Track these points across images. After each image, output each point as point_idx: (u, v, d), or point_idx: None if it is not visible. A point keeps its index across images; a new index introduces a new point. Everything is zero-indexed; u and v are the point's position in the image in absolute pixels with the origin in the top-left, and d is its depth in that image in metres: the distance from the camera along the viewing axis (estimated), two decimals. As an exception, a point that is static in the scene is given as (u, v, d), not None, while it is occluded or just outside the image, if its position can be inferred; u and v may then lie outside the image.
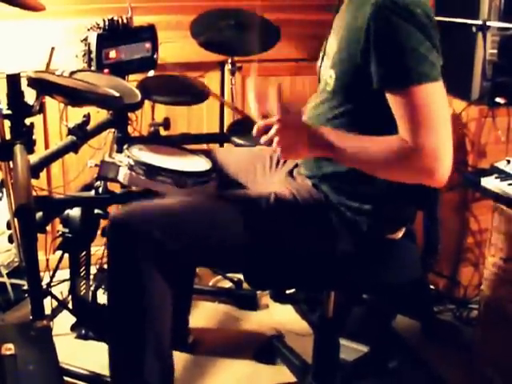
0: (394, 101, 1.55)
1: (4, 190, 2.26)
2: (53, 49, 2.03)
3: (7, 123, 1.95)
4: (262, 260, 1.74)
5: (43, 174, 2.16)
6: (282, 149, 1.58)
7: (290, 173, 1.89)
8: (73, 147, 2.07)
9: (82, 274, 2.25)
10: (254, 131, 1.61)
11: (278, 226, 1.72)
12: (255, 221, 1.72)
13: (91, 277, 2.30)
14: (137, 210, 1.73)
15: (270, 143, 1.59)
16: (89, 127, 2.13)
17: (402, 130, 1.54)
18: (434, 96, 1.52)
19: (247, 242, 1.71)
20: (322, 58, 1.80)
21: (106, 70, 2.35)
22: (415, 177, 1.57)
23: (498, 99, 2.55)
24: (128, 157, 1.92)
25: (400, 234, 1.79)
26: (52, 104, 2.52)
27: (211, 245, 1.72)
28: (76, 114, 2.14)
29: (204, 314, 2.70)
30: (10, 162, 1.96)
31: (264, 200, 1.73)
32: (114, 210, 1.99)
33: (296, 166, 1.89)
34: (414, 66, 1.50)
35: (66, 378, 2.13)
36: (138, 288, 1.68)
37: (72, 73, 2.09)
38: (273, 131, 1.57)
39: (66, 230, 2.11)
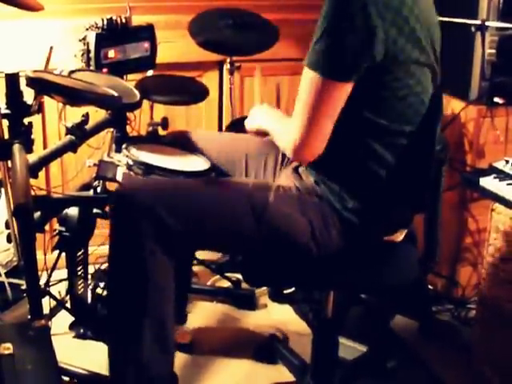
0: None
1: (2, 189, 2.27)
2: (51, 48, 2.03)
3: (6, 123, 1.95)
4: (261, 254, 1.74)
5: (42, 174, 2.16)
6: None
7: (296, 169, 1.89)
8: (71, 147, 2.07)
9: (79, 274, 2.24)
10: None
11: (278, 218, 1.72)
12: (259, 210, 1.71)
13: (89, 276, 2.30)
14: (143, 185, 1.73)
15: None
16: (87, 127, 2.13)
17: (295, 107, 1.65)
18: (312, 85, 1.58)
19: (249, 231, 1.71)
20: None
21: (104, 70, 2.36)
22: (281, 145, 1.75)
23: (496, 99, 2.55)
24: (126, 156, 1.92)
25: (400, 237, 1.79)
26: (50, 103, 2.52)
27: (213, 229, 1.72)
28: (74, 114, 2.13)
29: (202, 314, 2.70)
30: (9, 162, 1.96)
31: (270, 191, 1.74)
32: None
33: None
34: (317, 51, 1.55)
35: (64, 378, 2.13)
36: (139, 262, 1.66)
37: (71, 72, 2.08)
38: None
39: (63, 229, 2.11)
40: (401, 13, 1.55)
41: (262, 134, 1.88)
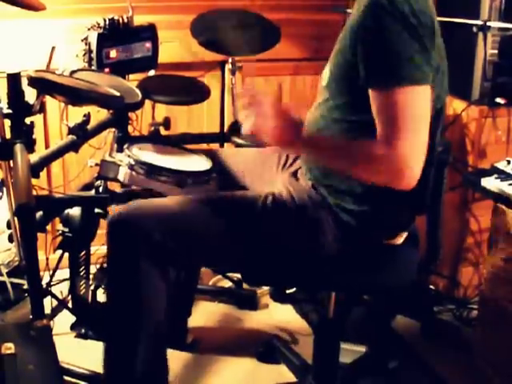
0: (374, 100, 1.53)
1: (4, 189, 2.27)
2: (53, 48, 2.03)
3: (7, 122, 1.95)
4: (259, 260, 1.74)
5: (43, 174, 2.16)
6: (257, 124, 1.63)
7: (294, 174, 1.89)
8: (73, 146, 2.07)
9: (81, 274, 2.24)
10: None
11: (273, 226, 1.72)
12: (252, 221, 1.72)
13: (91, 276, 2.30)
14: (137, 209, 1.73)
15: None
16: (89, 126, 2.13)
17: (378, 130, 1.53)
18: (415, 100, 1.50)
19: (244, 242, 1.72)
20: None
21: (106, 70, 2.36)
22: (383, 179, 1.55)
23: (498, 99, 2.55)
24: (128, 156, 1.93)
25: (400, 240, 1.78)
26: (52, 103, 2.52)
27: (209, 245, 1.73)
28: (76, 114, 2.14)
29: (204, 314, 2.69)
30: (11, 162, 1.96)
31: (261, 200, 1.74)
32: (112, 208, 1.98)
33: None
34: (396, 68, 1.48)
35: (65, 378, 2.13)
36: (136, 285, 1.69)
37: (72, 72, 2.09)
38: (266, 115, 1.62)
39: (66, 230, 2.11)
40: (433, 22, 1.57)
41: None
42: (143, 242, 1.66)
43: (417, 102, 1.50)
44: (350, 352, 2.35)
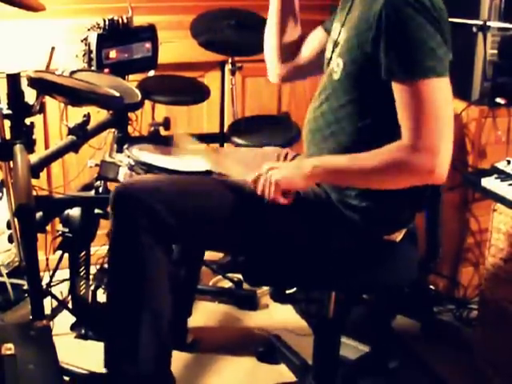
0: (398, 92, 1.54)
1: (4, 189, 2.27)
2: (53, 48, 2.03)
3: (7, 123, 1.95)
4: (259, 251, 1.74)
5: (43, 174, 2.16)
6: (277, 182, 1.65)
7: None
8: (73, 147, 2.07)
9: (81, 274, 2.24)
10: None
11: (277, 216, 1.72)
12: (256, 210, 1.72)
13: (91, 276, 2.30)
14: (139, 182, 1.73)
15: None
16: (89, 127, 2.13)
17: (403, 123, 1.53)
18: (439, 92, 1.52)
19: (246, 229, 1.71)
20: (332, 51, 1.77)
21: (106, 70, 2.35)
22: (415, 175, 1.55)
23: (498, 99, 2.55)
24: (128, 157, 1.93)
25: (399, 237, 1.78)
26: (52, 104, 2.52)
27: (210, 226, 1.72)
28: (76, 114, 2.14)
29: (204, 314, 2.70)
30: (11, 162, 1.96)
31: None
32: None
33: None
34: (421, 59, 1.50)
35: (65, 378, 2.13)
36: (137, 257, 1.68)
37: (72, 72, 2.09)
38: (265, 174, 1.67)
39: (66, 230, 2.11)
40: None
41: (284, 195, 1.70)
42: (145, 215, 1.65)
43: (442, 94, 1.52)
44: (353, 348, 2.35)
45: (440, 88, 1.52)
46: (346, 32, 1.68)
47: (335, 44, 1.73)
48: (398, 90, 1.54)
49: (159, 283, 1.72)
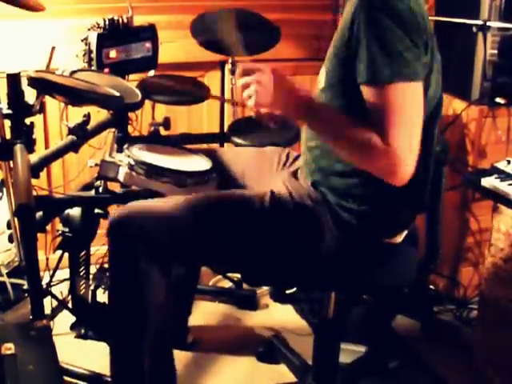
0: (366, 96, 1.53)
1: (4, 189, 2.27)
2: (53, 48, 2.03)
3: (7, 123, 1.95)
4: (259, 259, 1.74)
5: (43, 174, 2.16)
6: (258, 93, 1.62)
7: (294, 173, 1.89)
8: (73, 147, 2.07)
9: (81, 274, 2.24)
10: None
11: (272, 225, 1.72)
12: (251, 219, 1.73)
13: (91, 276, 2.30)
14: (136, 209, 1.74)
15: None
16: (89, 127, 2.13)
17: (372, 127, 1.52)
18: (407, 96, 1.50)
19: (244, 241, 1.72)
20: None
21: (106, 70, 2.35)
22: (376, 172, 1.56)
23: (498, 99, 2.55)
24: (128, 156, 1.93)
25: (399, 239, 1.78)
26: (52, 103, 2.52)
27: (208, 244, 1.74)
28: (76, 114, 2.14)
29: (204, 314, 2.69)
30: (11, 162, 1.96)
31: (260, 199, 1.74)
32: (113, 209, 1.99)
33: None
34: (387, 63, 1.48)
35: (65, 378, 2.13)
36: (137, 286, 1.70)
37: (72, 72, 2.09)
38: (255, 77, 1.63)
39: (66, 230, 2.11)
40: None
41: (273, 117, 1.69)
42: (142, 241, 1.67)
43: (409, 99, 1.50)
44: (349, 352, 2.35)
45: (406, 93, 1.50)
46: (331, 42, 1.70)
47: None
48: (365, 94, 1.54)
49: (159, 306, 1.74)
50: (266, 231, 1.72)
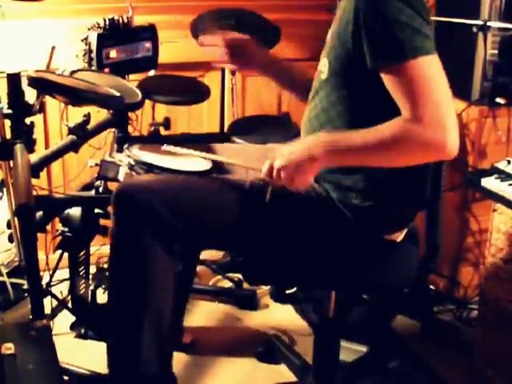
0: (390, 78, 1.52)
1: (4, 189, 2.27)
2: (53, 48, 2.03)
3: (7, 122, 1.95)
4: (261, 250, 1.74)
5: (43, 174, 2.16)
6: (290, 183, 1.59)
7: None
8: (73, 147, 2.07)
9: (81, 274, 2.24)
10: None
11: (278, 216, 1.71)
12: (258, 207, 1.71)
13: (91, 276, 2.30)
14: (141, 183, 1.73)
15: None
16: (89, 127, 2.13)
17: (402, 107, 1.50)
18: (431, 68, 1.49)
19: (248, 226, 1.71)
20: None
21: (106, 70, 2.36)
22: (424, 151, 1.50)
23: (498, 99, 2.55)
24: (128, 156, 1.92)
25: (400, 237, 1.79)
26: (52, 103, 2.52)
27: (212, 225, 1.72)
28: (76, 114, 2.14)
29: (204, 314, 2.70)
30: (11, 162, 1.96)
31: (267, 190, 1.72)
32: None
33: None
34: (407, 39, 1.48)
35: (65, 378, 2.13)
36: (138, 258, 1.67)
37: (72, 72, 2.09)
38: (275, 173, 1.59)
39: (66, 229, 2.11)
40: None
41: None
42: (147, 216, 1.64)
43: (432, 70, 1.49)
44: (350, 351, 2.35)
45: (430, 65, 1.49)
46: (331, 31, 1.69)
47: (324, 44, 1.75)
48: (388, 77, 1.52)
49: (161, 284, 1.71)
50: (269, 225, 1.71)
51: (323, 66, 1.71)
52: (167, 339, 1.79)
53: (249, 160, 1.85)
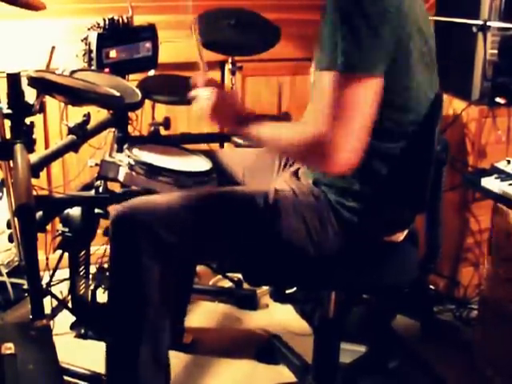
0: (315, 79, 1.55)
1: (4, 189, 2.27)
2: (53, 48, 2.03)
3: (7, 122, 1.95)
4: (261, 255, 1.74)
5: (43, 174, 2.16)
6: (208, 114, 1.77)
7: (295, 173, 1.89)
8: (73, 146, 2.07)
9: (81, 274, 2.24)
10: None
11: (275, 221, 1.72)
12: (254, 215, 1.72)
13: (90, 276, 2.30)
14: (139, 204, 1.74)
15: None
16: (89, 126, 2.13)
17: (308, 111, 1.55)
18: (353, 87, 1.46)
19: (246, 237, 1.72)
20: None
21: (106, 70, 2.35)
22: (311, 162, 1.61)
23: (498, 99, 2.55)
24: (128, 156, 1.93)
25: (400, 238, 1.79)
26: (52, 103, 2.52)
27: (210, 240, 1.73)
28: (76, 114, 2.14)
29: (204, 314, 2.70)
30: (11, 162, 1.96)
31: (263, 195, 1.74)
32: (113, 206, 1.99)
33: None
34: (339, 52, 1.46)
35: (65, 378, 2.13)
36: (139, 282, 1.69)
37: (72, 72, 2.09)
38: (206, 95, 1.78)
39: (66, 229, 2.11)
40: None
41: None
42: (144, 237, 1.65)
43: (353, 90, 1.47)
44: (349, 352, 2.35)
45: (352, 85, 1.46)
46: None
47: None
48: (315, 76, 1.56)
49: (161, 305, 1.73)
50: (269, 228, 1.71)
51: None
52: (165, 357, 1.81)
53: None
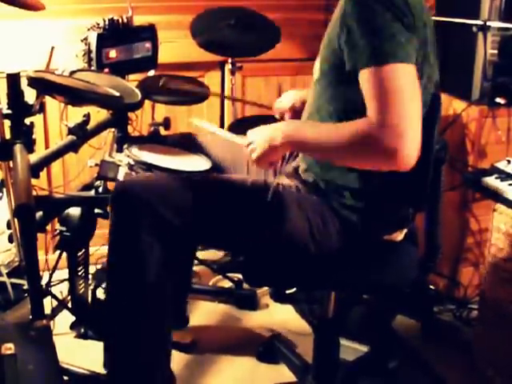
0: (361, 81, 1.52)
1: (4, 189, 2.27)
2: (53, 48, 2.03)
3: (7, 123, 1.95)
4: (260, 253, 1.74)
5: (43, 174, 2.16)
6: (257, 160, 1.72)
7: (296, 169, 1.89)
8: (73, 147, 2.07)
9: (80, 274, 2.24)
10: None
11: (278, 215, 1.72)
12: (258, 206, 1.72)
13: (90, 276, 2.30)
14: (140, 180, 1.74)
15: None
16: (89, 127, 2.13)
17: (368, 110, 1.50)
18: (400, 76, 1.47)
19: (247, 226, 1.71)
20: None
21: (106, 70, 2.35)
22: (377, 157, 1.50)
23: (498, 99, 2.55)
24: (128, 156, 1.93)
25: (400, 237, 1.79)
26: (52, 103, 2.52)
27: (211, 223, 1.72)
28: (76, 114, 2.14)
29: (204, 314, 2.70)
30: (10, 162, 1.96)
31: (269, 188, 1.73)
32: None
33: None
34: (379, 45, 1.47)
35: (65, 378, 2.13)
36: (137, 256, 1.67)
37: (72, 72, 2.09)
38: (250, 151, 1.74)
39: (64, 229, 2.11)
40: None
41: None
42: (146, 213, 1.65)
43: (403, 79, 1.48)
44: (352, 350, 2.35)
45: (400, 74, 1.48)
46: (325, 34, 1.71)
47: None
48: (361, 80, 1.52)
49: (160, 283, 1.71)
50: (272, 221, 1.71)
51: (316, 66, 1.73)
52: (166, 338, 1.79)
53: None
